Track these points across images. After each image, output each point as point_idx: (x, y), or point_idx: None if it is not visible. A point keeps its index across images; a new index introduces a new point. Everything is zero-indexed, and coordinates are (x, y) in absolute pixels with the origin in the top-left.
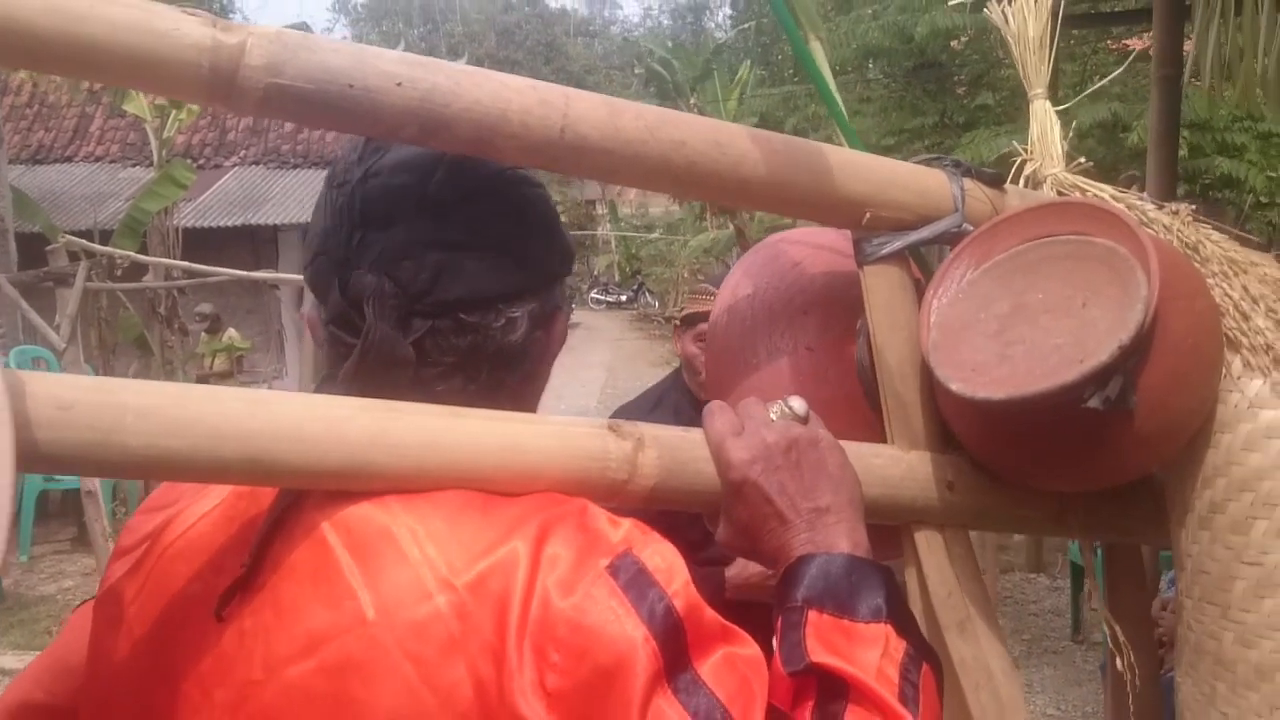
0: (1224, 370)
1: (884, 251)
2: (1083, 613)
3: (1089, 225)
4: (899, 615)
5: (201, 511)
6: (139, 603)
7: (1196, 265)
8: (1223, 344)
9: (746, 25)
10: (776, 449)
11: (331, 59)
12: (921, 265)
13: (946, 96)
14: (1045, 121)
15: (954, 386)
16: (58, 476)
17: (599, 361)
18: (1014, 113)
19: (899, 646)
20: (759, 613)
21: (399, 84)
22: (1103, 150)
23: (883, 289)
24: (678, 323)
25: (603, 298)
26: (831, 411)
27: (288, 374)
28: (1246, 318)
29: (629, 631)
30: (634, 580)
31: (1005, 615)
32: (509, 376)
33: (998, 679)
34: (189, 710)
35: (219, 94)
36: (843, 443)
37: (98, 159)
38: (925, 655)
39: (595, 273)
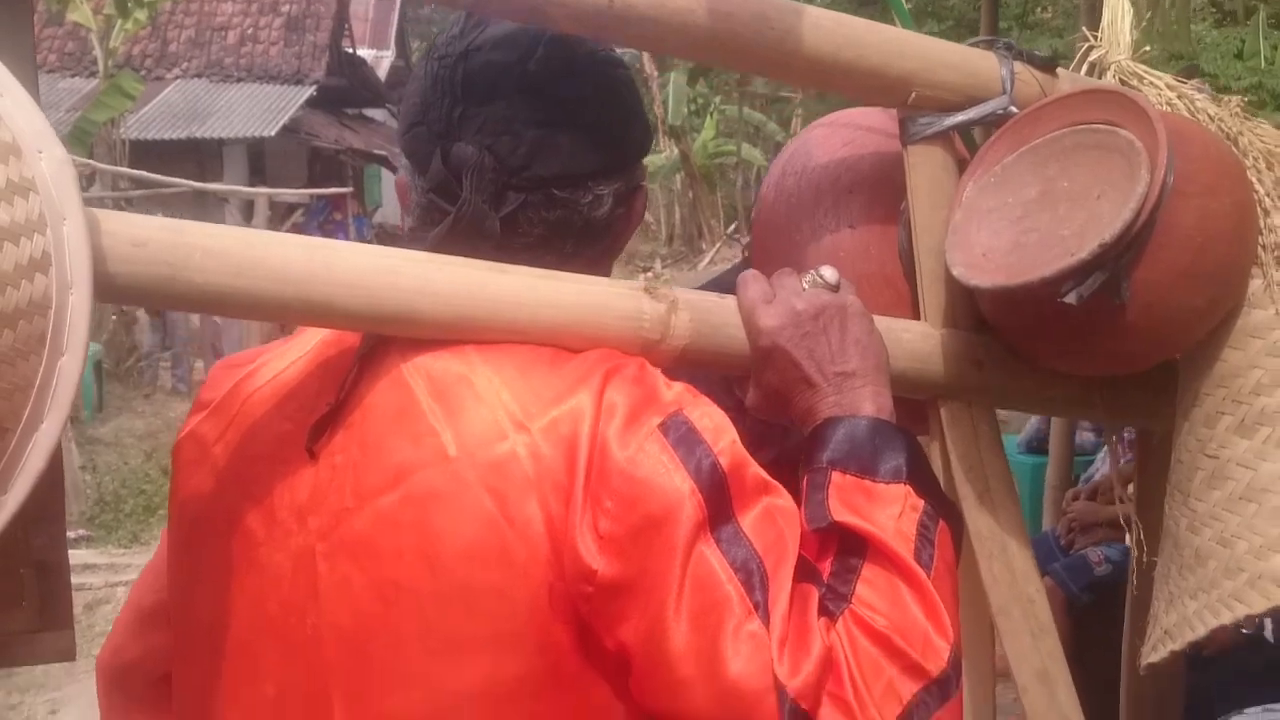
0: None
1: (928, 132)
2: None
3: (1118, 114)
4: (919, 475)
5: (289, 360)
6: (224, 442)
7: (1235, 160)
8: (1248, 244)
9: None
10: (805, 315)
11: None
12: (969, 147)
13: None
14: (1118, 9)
15: (956, 271)
16: None
17: None
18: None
19: (917, 505)
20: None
21: None
22: None
23: (925, 168)
24: None
25: None
26: (871, 290)
27: None
28: (1267, 214)
29: (677, 484)
30: (683, 438)
31: None
32: (589, 250)
33: (1012, 550)
34: (283, 534)
35: None
36: (874, 316)
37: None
38: (943, 512)
39: None
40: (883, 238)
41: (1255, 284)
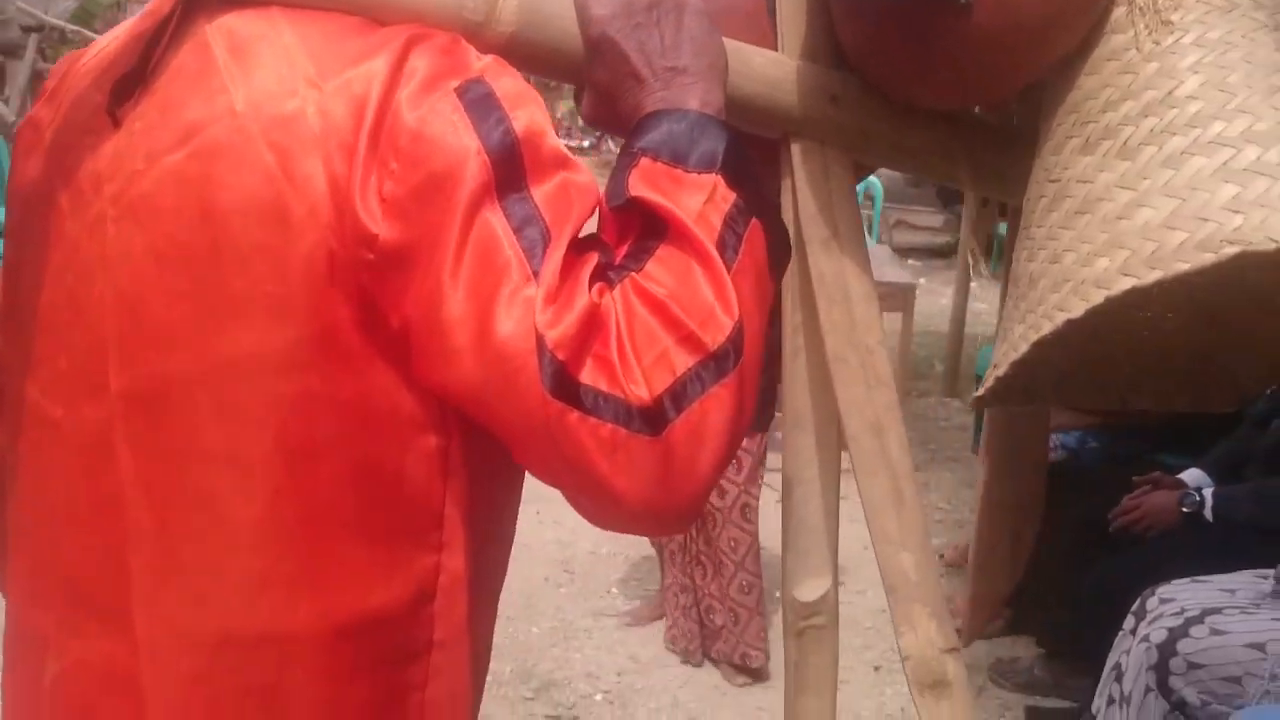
0: None
1: None
2: (984, 430)
3: None
4: (736, 169)
5: (113, 36)
6: (53, 124)
7: None
8: None
9: None
10: (638, 6)
11: None
12: None
13: None
14: None
15: None
16: None
17: None
18: None
19: (728, 197)
20: None
21: None
22: None
23: None
24: None
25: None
26: (731, 22)
27: None
28: None
29: (464, 143)
30: (479, 101)
31: (916, 430)
32: None
33: (854, 298)
34: (84, 205)
35: None
36: (727, 39)
37: None
38: (758, 211)
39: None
40: None
41: (1119, 11)
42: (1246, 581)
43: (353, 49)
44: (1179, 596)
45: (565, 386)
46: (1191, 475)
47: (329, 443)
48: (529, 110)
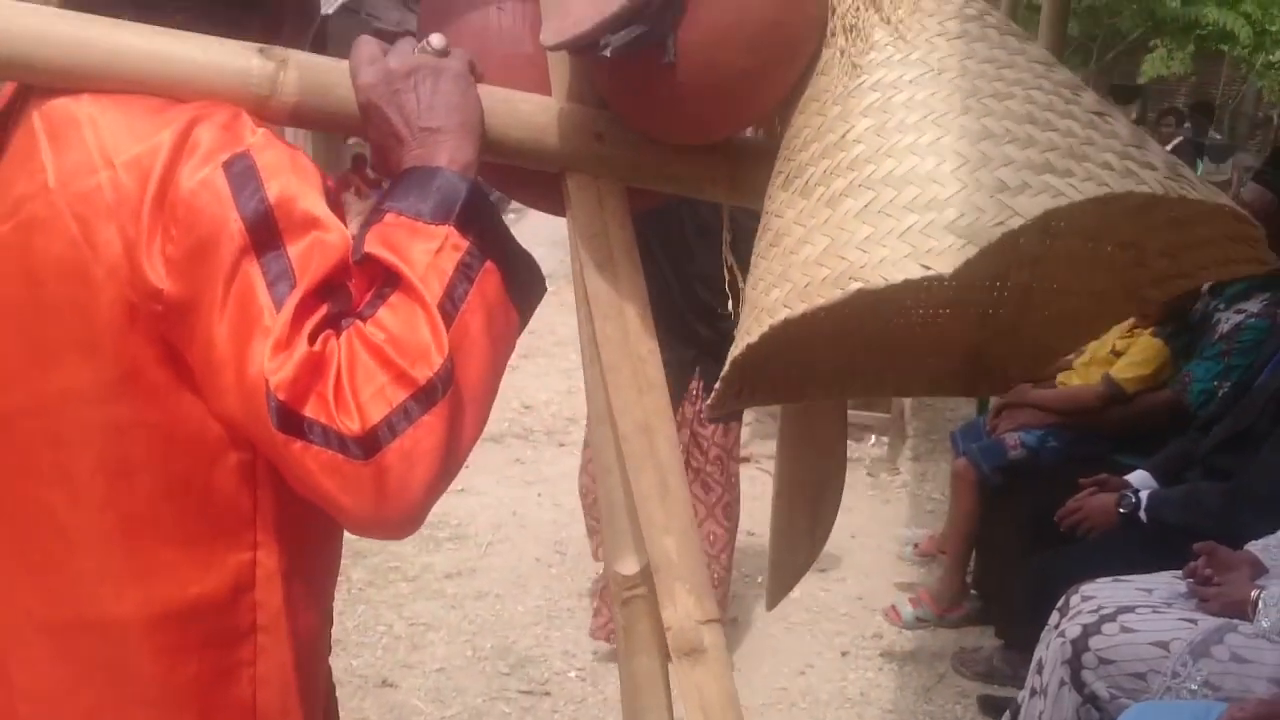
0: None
1: None
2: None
3: None
4: (472, 218)
5: None
6: None
7: None
8: (800, 9)
9: None
10: (398, 73)
11: None
12: None
13: None
14: None
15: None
16: None
17: None
18: None
19: (460, 245)
20: None
21: None
22: None
23: None
24: None
25: None
26: (517, 71)
27: None
28: None
29: (225, 212)
30: (241, 174)
31: (922, 420)
32: (252, 22)
33: (628, 314)
34: None
35: None
36: (498, 89)
37: None
38: (494, 256)
39: None
40: (530, 20)
41: (828, 53)
42: (1165, 581)
43: (146, 126)
44: (1099, 594)
45: (289, 421)
46: (1137, 477)
47: (143, 462)
48: (283, 180)
